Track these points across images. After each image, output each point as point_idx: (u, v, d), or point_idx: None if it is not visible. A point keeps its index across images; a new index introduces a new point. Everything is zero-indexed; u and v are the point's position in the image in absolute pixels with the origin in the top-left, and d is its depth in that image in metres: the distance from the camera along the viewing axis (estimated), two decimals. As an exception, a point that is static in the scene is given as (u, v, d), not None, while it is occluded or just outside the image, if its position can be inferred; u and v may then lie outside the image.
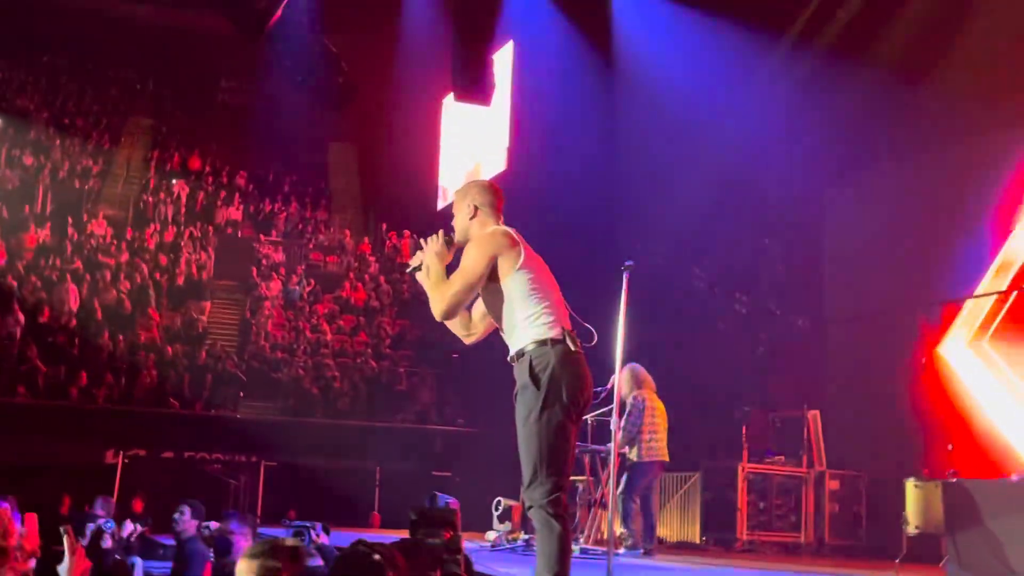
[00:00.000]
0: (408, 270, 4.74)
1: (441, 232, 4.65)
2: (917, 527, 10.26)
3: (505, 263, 4.48)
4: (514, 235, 4.57)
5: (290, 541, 3.83)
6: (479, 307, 4.80)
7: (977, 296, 11.61)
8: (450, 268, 4.59)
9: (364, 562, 3.52)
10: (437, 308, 4.50)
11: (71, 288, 18.92)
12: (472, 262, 4.48)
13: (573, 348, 4.45)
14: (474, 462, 16.39)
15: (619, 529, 9.65)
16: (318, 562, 6.42)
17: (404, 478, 16.25)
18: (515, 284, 4.48)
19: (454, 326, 4.88)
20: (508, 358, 4.57)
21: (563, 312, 4.56)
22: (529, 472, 4.35)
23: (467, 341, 4.92)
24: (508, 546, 9.91)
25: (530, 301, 4.48)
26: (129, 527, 7.60)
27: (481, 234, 4.61)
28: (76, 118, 26.51)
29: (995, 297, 11.31)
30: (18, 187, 22.51)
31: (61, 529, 3.81)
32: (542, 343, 4.42)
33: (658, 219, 14.66)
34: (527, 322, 4.47)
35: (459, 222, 4.72)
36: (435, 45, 18.51)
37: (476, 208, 4.69)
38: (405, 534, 5.85)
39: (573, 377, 4.42)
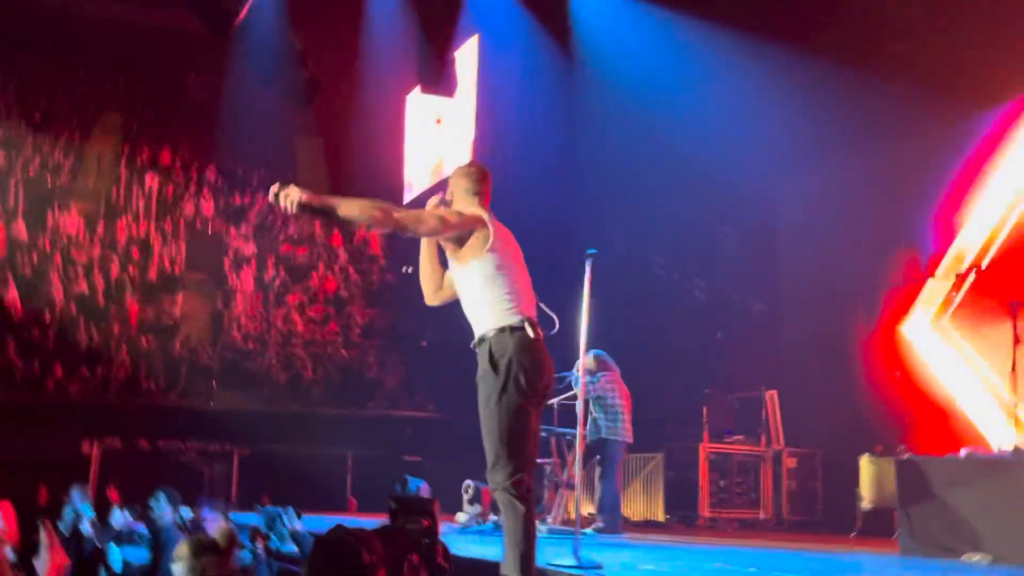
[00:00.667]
0: (407, 270, 4.77)
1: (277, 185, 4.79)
2: (871, 502, 10.45)
3: (476, 241, 4.49)
4: (490, 218, 4.58)
5: (219, 532, 3.75)
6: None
7: (935, 277, 11.74)
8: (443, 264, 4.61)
9: (343, 547, 3.50)
10: (412, 228, 4.54)
11: (51, 281, 18.69)
12: (448, 212, 4.59)
13: (532, 335, 4.46)
14: (443, 446, 16.42)
15: (588, 510, 9.73)
16: (292, 547, 6.39)
17: (376, 463, 16.23)
18: (482, 266, 4.48)
19: (425, 280, 4.88)
20: (471, 344, 4.57)
21: (528, 299, 4.55)
22: (491, 456, 4.37)
23: (430, 301, 4.92)
24: (477, 528, 9.92)
25: (494, 286, 4.48)
26: (121, 519, 7.48)
27: (465, 209, 4.69)
28: (47, 115, 26.13)
29: (953, 280, 11.44)
30: None
31: (38, 521, 3.76)
32: (501, 330, 4.44)
33: (619, 209, 14.70)
34: (488, 307, 4.47)
35: (456, 201, 4.79)
36: (400, 40, 18.47)
37: (461, 190, 4.80)
38: (381, 518, 5.84)
39: (532, 363, 4.44)
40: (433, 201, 4.72)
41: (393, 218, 4.41)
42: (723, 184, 13.86)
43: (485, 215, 4.61)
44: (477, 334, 4.52)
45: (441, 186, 18.63)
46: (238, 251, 22.47)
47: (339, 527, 3.71)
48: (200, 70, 28.39)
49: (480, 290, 4.49)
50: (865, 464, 10.59)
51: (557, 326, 4.84)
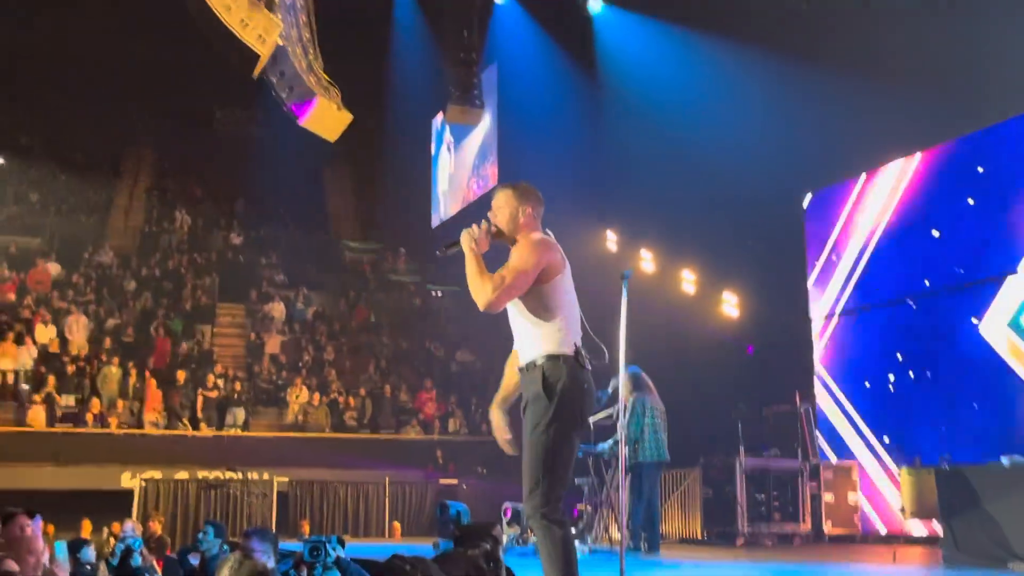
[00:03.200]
0: (444, 248, 4.61)
1: (486, 222, 4.50)
2: (913, 513, 10.32)
3: (547, 273, 4.43)
4: (560, 250, 4.51)
5: (259, 566, 3.77)
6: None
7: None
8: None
9: (399, 574, 3.48)
10: (482, 298, 4.29)
11: (80, 318, 18.87)
12: (523, 262, 4.36)
13: (584, 365, 4.42)
14: (477, 469, 16.40)
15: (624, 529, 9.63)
16: (335, 574, 6.36)
17: (412, 488, 16.23)
18: (544, 294, 4.42)
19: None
20: (518, 367, 4.52)
21: (578, 327, 4.50)
22: (531, 480, 4.29)
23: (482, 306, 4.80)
24: (520, 549, 9.88)
25: (551, 314, 4.42)
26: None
27: (534, 238, 4.48)
28: (78, 153, 26.46)
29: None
30: (26, 223, 22.49)
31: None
32: (555, 357, 4.37)
33: (648, 227, 14.66)
34: (542, 334, 4.41)
35: (505, 219, 4.54)
36: (425, 68, 18.56)
37: (527, 210, 4.55)
38: (424, 542, 5.82)
39: (582, 392, 4.39)
40: (481, 227, 4.56)
41: (497, 297, 4.36)
42: (750, 198, 13.79)
43: (556, 246, 4.53)
44: (527, 357, 4.45)
45: (473, 211, 18.66)
46: (269, 281, 22.59)
47: (396, 557, 3.69)
48: (227, 104, 28.72)
49: (537, 315, 4.44)
50: (905, 475, 10.47)
51: (607, 357, 4.75)
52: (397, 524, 15.78)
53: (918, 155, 12.37)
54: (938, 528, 8.45)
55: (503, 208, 4.55)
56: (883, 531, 12.06)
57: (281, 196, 26.48)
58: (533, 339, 4.42)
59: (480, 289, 4.29)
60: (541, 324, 4.40)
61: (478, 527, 5.54)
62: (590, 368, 4.43)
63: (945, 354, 11.83)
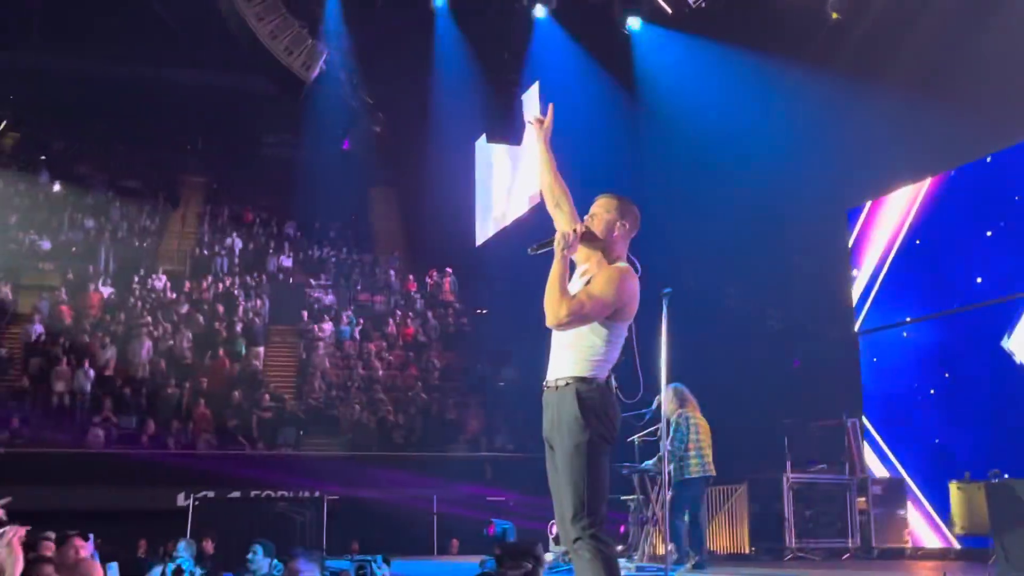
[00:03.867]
0: (535, 248, 4.47)
1: (580, 226, 4.40)
2: (963, 528, 10.13)
3: (620, 315, 4.37)
4: (638, 295, 4.44)
5: None
6: (558, 194, 4.68)
7: None
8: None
9: None
10: (554, 315, 4.24)
11: (144, 342, 19.13)
12: (607, 296, 4.27)
13: (613, 388, 4.40)
14: (524, 486, 16.32)
15: (668, 545, 9.54)
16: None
17: (460, 505, 16.20)
18: (605, 327, 4.38)
19: (546, 188, 4.72)
20: (545, 383, 4.46)
21: (615, 360, 4.46)
22: (573, 504, 4.23)
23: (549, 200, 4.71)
24: (566, 567, 9.82)
25: (602, 344, 4.38)
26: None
27: (626, 273, 4.38)
28: (131, 180, 26.91)
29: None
30: (81, 249, 22.92)
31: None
32: (588, 380, 4.34)
33: (689, 244, 14.60)
34: (585, 357, 4.36)
35: (603, 226, 4.44)
36: (466, 90, 18.64)
37: (624, 225, 4.46)
38: (474, 559, 5.81)
39: (615, 415, 4.38)
40: (576, 231, 4.48)
41: (569, 320, 4.30)
42: (793, 214, 13.70)
43: (638, 290, 4.45)
44: (560, 373, 4.39)
45: (514, 230, 18.67)
46: (318, 302, 22.77)
47: None
48: (275, 130, 29.09)
49: (587, 337, 4.39)
50: (955, 490, 10.28)
51: (639, 396, 4.69)
52: (455, 541, 15.77)
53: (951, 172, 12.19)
54: (989, 543, 8.27)
55: (602, 215, 4.45)
56: (933, 546, 11.84)
57: (329, 218, 26.78)
58: (575, 358, 4.36)
59: (556, 305, 4.23)
60: (587, 348, 4.35)
61: (519, 546, 5.52)
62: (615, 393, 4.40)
63: (984, 369, 11.64)
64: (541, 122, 4.77)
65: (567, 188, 4.70)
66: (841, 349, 13.79)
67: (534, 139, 4.79)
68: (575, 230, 4.38)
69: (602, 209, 4.47)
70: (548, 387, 4.43)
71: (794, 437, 12.46)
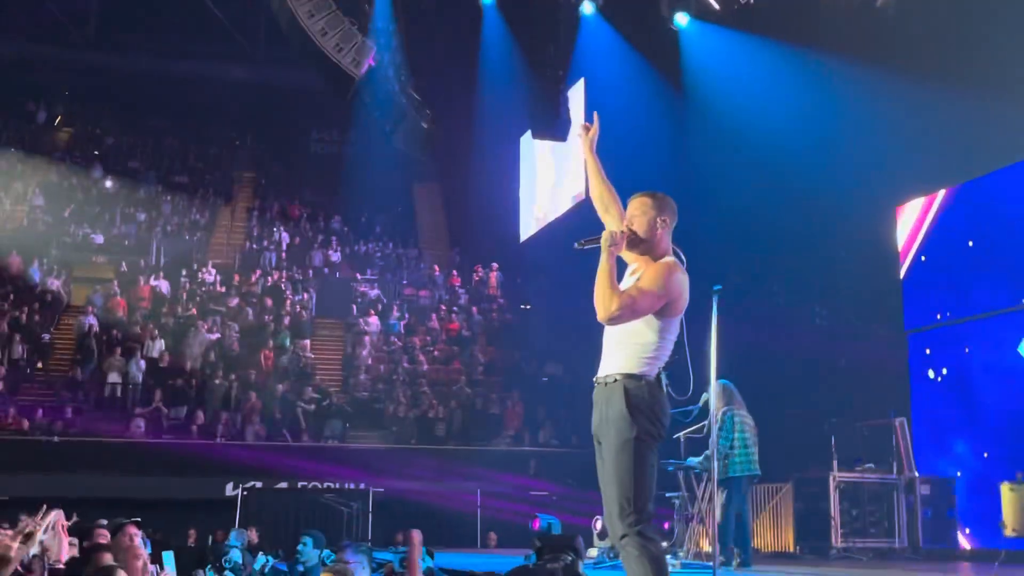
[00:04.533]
0: (581, 243, 4.47)
1: (627, 228, 4.40)
2: (1015, 530, 9.93)
3: (670, 309, 4.35)
4: (688, 289, 4.42)
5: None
6: (607, 200, 4.68)
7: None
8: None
9: None
10: (605, 309, 4.22)
11: (199, 334, 19.33)
12: (658, 288, 4.27)
13: (661, 387, 4.36)
14: (567, 481, 16.30)
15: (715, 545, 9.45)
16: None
17: (503, 499, 16.21)
18: (657, 322, 4.36)
19: (595, 195, 4.74)
20: (596, 378, 4.44)
21: (666, 358, 4.43)
22: (619, 501, 4.21)
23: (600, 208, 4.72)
24: (610, 563, 9.77)
25: (654, 340, 4.36)
26: (261, 559, 7.67)
27: (674, 267, 4.37)
28: (181, 176, 27.20)
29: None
30: (134, 243, 23.21)
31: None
32: (639, 378, 4.31)
33: (736, 241, 14.46)
34: (636, 353, 4.34)
35: (645, 226, 4.43)
36: (512, 86, 18.61)
37: (664, 219, 4.44)
38: (519, 553, 5.79)
39: (664, 412, 4.34)
40: (622, 232, 4.46)
41: (620, 313, 4.28)
42: (840, 209, 13.51)
43: (687, 284, 4.43)
44: (610, 369, 4.38)
45: (558, 226, 18.61)
46: (364, 296, 22.87)
47: (471, 574, 3.70)
48: (323, 125, 29.27)
49: (638, 335, 4.36)
50: (1006, 491, 10.10)
51: (690, 392, 4.66)
52: (493, 535, 15.76)
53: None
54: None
55: (640, 216, 4.44)
56: (982, 547, 11.64)
57: (375, 213, 26.88)
58: (626, 355, 4.34)
59: (607, 299, 4.22)
60: (639, 345, 4.33)
61: (559, 539, 5.50)
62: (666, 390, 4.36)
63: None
64: (587, 129, 4.78)
65: (616, 193, 4.72)
66: (889, 348, 13.58)
67: (581, 147, 4.81)
68: (622, 231, 4.39)
69: (639, 211, 4.45)
70: (598, 383, 4.42)
71: (841, 436, 12.31)
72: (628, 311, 4.24)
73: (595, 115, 4.81)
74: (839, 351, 14.43)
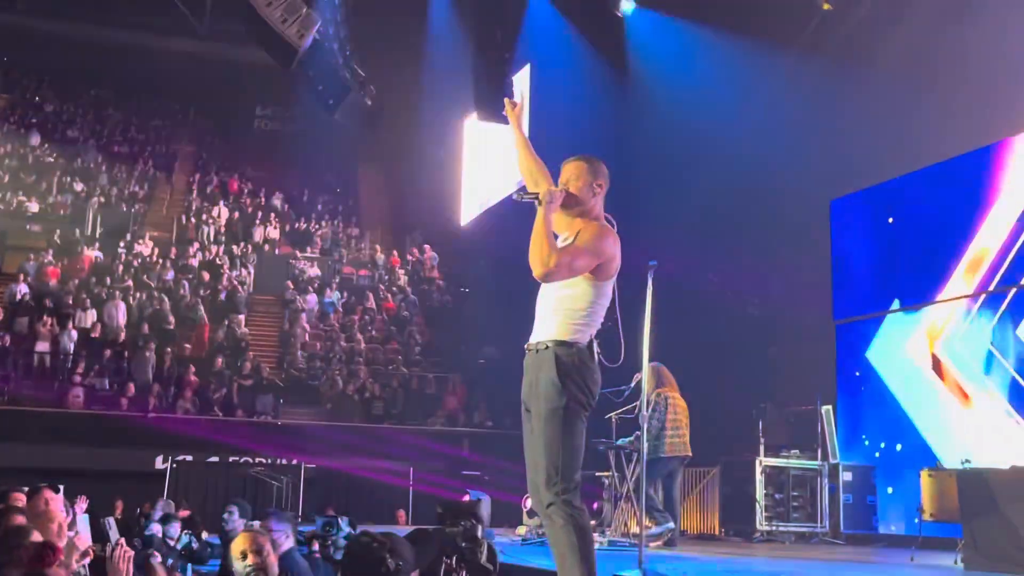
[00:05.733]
0: (520, 195, 4.37)
1: (562, 190, 4.34)
2: (932, 515, 10.07)
3: (603, 271, 4.29)
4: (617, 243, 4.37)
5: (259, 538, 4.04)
6: (538, 175, 4.62)
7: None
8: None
9: (367, 552, 3.40)
10: (542, 264, 4.12)
11: (119, 304, 18.95)
12: (595, 248, 4.23)
13: (593, 355, 4.30)
14: (501, 461, 16.25)
15: (645, 520, 9.46)
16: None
17: (436, 478, 16.12)
18: (589, 286, 4.30)
19: (525, 169, 4.69)
20: (527, 345, 4.37)
21: (598, 325, 4.38)
22: (547, 469, 4.15)
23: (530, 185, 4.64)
24: (538, 540, 9.73)
25: (585, 306, 4.30)
26: (177, 533, 7.48)
27: (608, 229, 4.35)
28: (122, 146, 26.63)
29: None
30: (70, 212, 22.64)
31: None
32: (570, 344, 4.25)
33: (673, 226, 14.50)
34: (568, 320, 4.28)
35: (579, 188, 4.39)
36: (458, 68, 18.43)
37: (600, 183, 4.43)
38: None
39: (595, 380, 4.29)
40: (542, 191, 4.36)
41: (557, 268, 4.17)
42: (777, 201, 13.61)
43: (618, 243, 4.37)
44: (542, 336, 4.31)
45: (499, 210, 18.55)
46: (303, 273, 22.60)
47: (364, 533, 3.61)
48: (267, 101, 28.85)
49: (571, 300, 4.29)
50: (926, 477, 10.23)
51: (620, 361, 4.60)
52: (401, 512, 15.65)
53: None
54: (957, 530, 8.21)
55: (575, 180, 4.40)
56: (901, 533, 11.82)
57: (317, 192, 26.57)
58: (558, 321, 4.28)
59: (543, 254, 4.13)
60: (572, 311, 4.28)
61: (461, 506, 5.43)
62: (597, 359, 4.31)
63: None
64: (513, 106, 4.76)
65: (545, 166, 4.68)
66: (819, 338, 13.72)
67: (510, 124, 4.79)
68: (561, 190, 4.34)
69: (573, 174, 4.41)
70: (529, 350, 4.37)
71: (768, 422, 12.43)
72: (565, 268, 4.17)
73: (523, 93, 4.78)
74: (770, 340, 14.54)
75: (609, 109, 15.99)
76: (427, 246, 23.89)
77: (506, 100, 4.85)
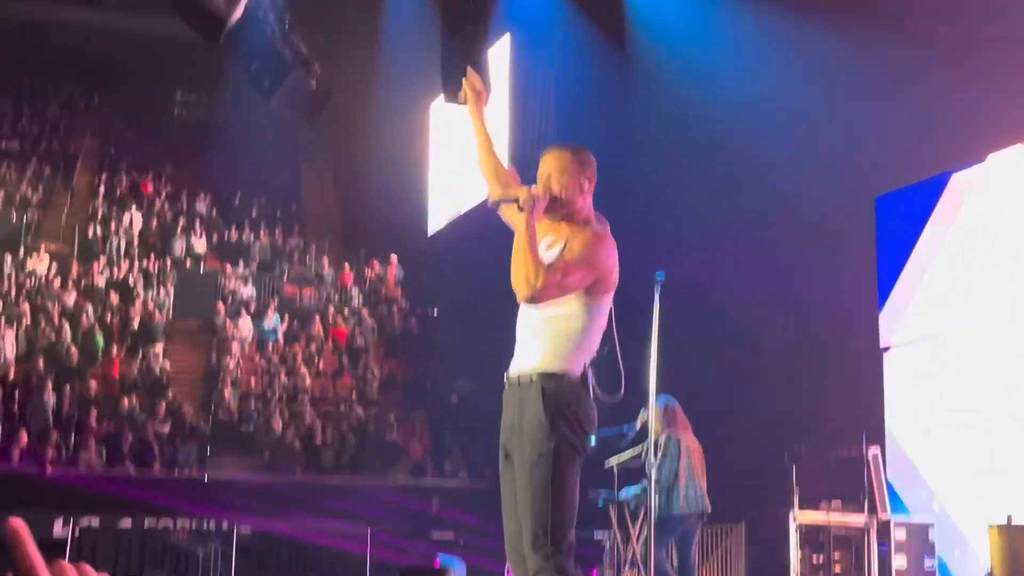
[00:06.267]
0: (493, 201, 4.41)
1: (546, 191, 4.29)
2: (1004, 580, 10.10)
3: (600, 285, 4.28)
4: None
5: None
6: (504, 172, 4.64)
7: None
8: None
9: None
10: (527, 286, 4.10)
11: (7, 334, 18.83)
12: (589, 260, 4.22)
13: (589, 386, 4.29)
14: (478, 520, 16.21)
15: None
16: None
17: (399, 541, 16.06)
18: (584, 304, 4.28)
19: (488, 169, 4.67)
20: (507, 376, 4.36)
21: (594, 351, 4.37)
22: (534, 528, 4.15)
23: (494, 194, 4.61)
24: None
25: (579, 328, 4.29)
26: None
27: (603, 235, 4.35)
28: (12, 141, 26.55)
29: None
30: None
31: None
32: (560, 376, 4.24)
33: (685, 230, 14.53)
34: (557, 346, 4.26)
35: (564, 185, 4.34)
36: (422, 41, 18.46)
37: (590, 182, 4.40)
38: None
39: (589, 419, 4.29)
40: (522, 193, 4.33)
41: (545, 289, 4.14)
42: (812, 201, 13.63)
43: (615, 251, 4.35)
44: (525, 366, 4.29)
45: (477, 213, 18.58)
46: (235, 294, 22.56)
47: None
48: (189, 85, 28.82)
49: (560, 321, 4.26)
50: (995, 535, 10.26)
51: (620, 395, 4.60)
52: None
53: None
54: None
55: (561, 174, 4.35)
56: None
57: (251, 194, 26.53)
58: (546, 348, 4.27)
59: (528, 273, 4.11)
60: (562, 335, 4.27)
61: (425, 570, 5.41)
62: (592, 393, 4.30)
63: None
64: (477, 91, 4.77)
65: (515, 173, 4.71)
66: (863, 366, 13.75)
67: (469, 112, 4.78)
68: (544, 190, 4.31)
69: (556, 168, 4.37)
70: (510, 382, 4.35)
71: (804, 469, 12.41)
72: (555, 287, 4.16)
73: (485, 77, 4.71)
74: (805, 367, 14.55)
75: (605, 89, 16.07)
76: (393, 256, 23.89)
77: (464, 80, 4.80)
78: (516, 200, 4.27)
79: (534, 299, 4.18)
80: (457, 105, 15.62)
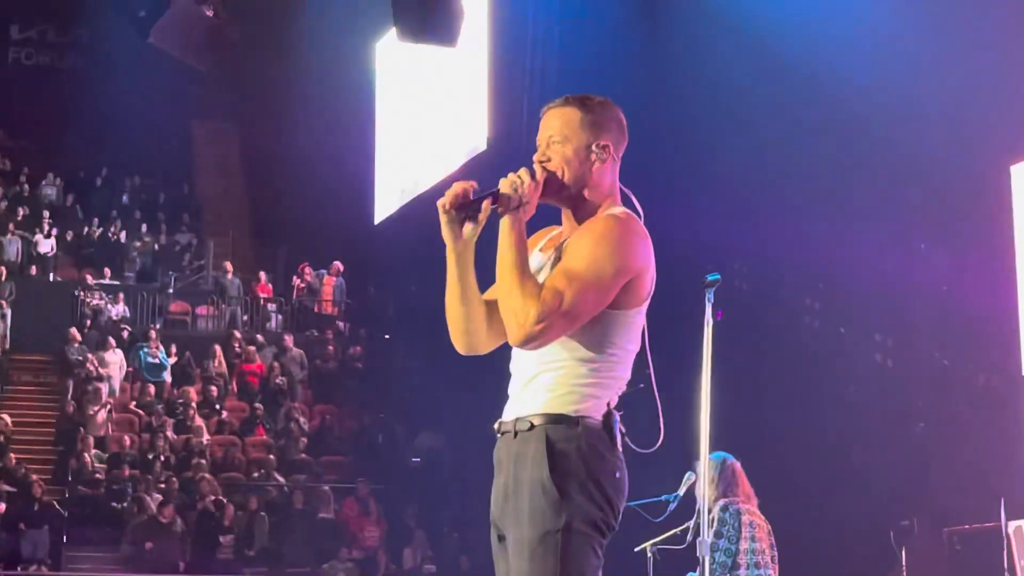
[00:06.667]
0: (470, 203, 4.23)
1: (528, 171, 4.12)
2: None
3: (629, 292, 4.22)
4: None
5: None
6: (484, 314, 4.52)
7: None
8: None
9: None
10: (518, 325, 3.99)
11: None
12: (602, 266, 4.07)
13: (613, 437, 4.25)
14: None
15: None
16: None
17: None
18: (609, 323, 4.24)
19: (452, 317, 4.45)
20: (499, 424, 4.33)
21: (625, 382, 4.34)
22: None
23: (461, 347, 4.53)
24: None
25: (603, 349, 4.24)
26: None
27: (623, 217, 4.21)
28: None
29: None
30: None
31: None
32: (572, 422, 4.21)
33: (736, 217, 14.61)
34: (572, 377, 4.22)
35: (567, 158, 4.21)
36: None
37: (605, 146, 4.24)
38: None
39: (614, 486, 4.26)
40: (503, 184, 4.23)
41: (545, 326, 4.06)
42: (923, 175, 13.75)
43: (647, 244, 4.27)
44: (522, 410, 4.25)
45: (440, 195, 18.68)
46: (100, 314, 22.58)
47: None
48: (31, 18, 28.89)
49: (583, 350, 4.26)
50: None
51: (661, 440, 4.57)
52: None
53: None
54: None
55: (564, 140, 4.24)
56: None
57: (121, 172, 26.58)
58: (551, 381, 4.24)
59: (520, 308, 4.00)
60: (574, 364, 4.22)
61: None
62: (621, 446, 4.27)
63: None
64: (464, 195, 4.44)
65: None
66: (999, 405, 13.85)
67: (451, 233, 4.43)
68: (534, 175, 4.14)
69: (559, 131, 4.24)
70: (502, 433, 4.31)
71: (917, 548, 12.53)
72: (560, 319, 4.03)
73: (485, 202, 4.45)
74: (918, 410, 14.65)
75: (624, 28, 16.19)
76: (336, 264, 23.94)
77: (460, 187, 4.48)
78: (494, 193, 4.15)
79: (527, 344, 4.11)
80: (415, 42, 15.70)
